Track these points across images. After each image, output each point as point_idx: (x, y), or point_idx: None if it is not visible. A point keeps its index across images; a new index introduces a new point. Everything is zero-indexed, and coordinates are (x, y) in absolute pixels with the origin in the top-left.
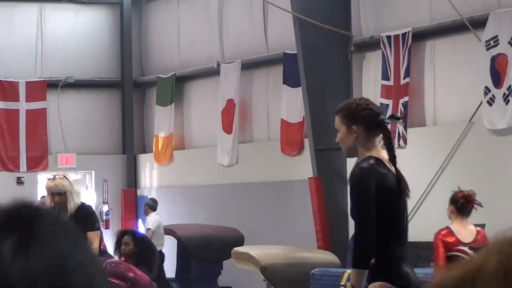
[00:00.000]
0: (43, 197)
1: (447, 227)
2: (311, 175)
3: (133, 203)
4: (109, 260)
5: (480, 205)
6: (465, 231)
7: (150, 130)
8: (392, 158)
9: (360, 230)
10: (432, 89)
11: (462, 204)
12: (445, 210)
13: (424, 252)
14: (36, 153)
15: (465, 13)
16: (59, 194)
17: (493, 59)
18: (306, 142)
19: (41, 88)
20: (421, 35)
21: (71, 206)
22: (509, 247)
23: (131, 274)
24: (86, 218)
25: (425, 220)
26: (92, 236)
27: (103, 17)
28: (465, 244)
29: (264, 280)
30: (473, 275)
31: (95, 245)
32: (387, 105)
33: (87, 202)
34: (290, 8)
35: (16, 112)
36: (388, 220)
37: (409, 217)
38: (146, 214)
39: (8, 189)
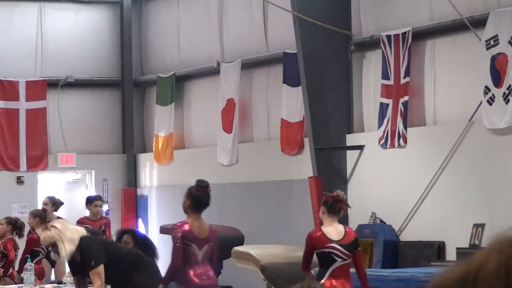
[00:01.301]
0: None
1: (319, 229)
2: (311, 175)
3: (133, 202)
4: None
5: (348, 206)
6: (334, 230)
7: (150, 130)
8: None
9: None
10: (432, 89)
11: (331, 204)
12: (445, 209)
13: (425, 251)
14: (36, 152)
15: (465, 13)
16: (52, 246)
17: (493, 59)
18: (306, 141)
19: (41, 87)
20: (421, 35)
21: (65, 253)
22: (509, 247)
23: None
24: (84, 261)
25: (425, 220)
26: (92, 276)
27: (103, 17)
28: (334, 242)
29: (264, 280)
30: (474, 275)
31: (97, 284)
32: (387, 105)
33: (84, 236)
34: (290, 7)
35: (16, 111)
36: None
37: (409, 217)
38: None
39: (8, 189)
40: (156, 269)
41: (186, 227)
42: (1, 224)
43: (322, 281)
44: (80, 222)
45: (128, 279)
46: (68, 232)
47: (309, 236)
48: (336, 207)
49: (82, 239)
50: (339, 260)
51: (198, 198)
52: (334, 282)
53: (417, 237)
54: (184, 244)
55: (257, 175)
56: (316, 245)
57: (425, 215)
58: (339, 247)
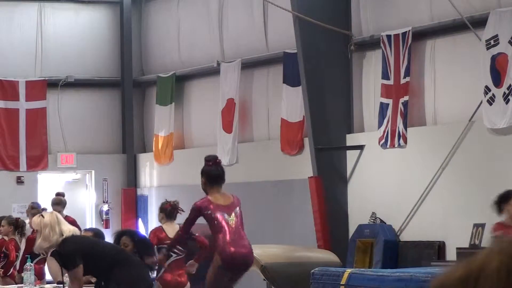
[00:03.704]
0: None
1: (161, 226)
2: (311, 175)
3: (133, 202)
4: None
5: (182, 210)
6: (171, 230)
7: (150, 130)
8: None
9: None
10: (432, 89)
11: (170, 211)
12: (445, 209)
13: (425, 251)
14: (36, 152)
15: (465, 12)
16: (36, 231)
17: (493, 58)
18: (306, 141)
19: (41, 87)
20: (421, 34)
21: (36, 244)
22: (510, 248)
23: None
24: (62, 263)
25: (425, 220)
26: (69, 279)
27: (103, 17)
28: (170, 239)
29: (264, 280)
30: (476, 274)
31: (74, 285)
32: (387, 105)
33: (66, 238)
34: (290, 7)
35: (16, 111)
36: None
37: (409, 217)
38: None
39: (8, 189)
40: (140, 268)
41: (206, 200)
42: (2, 226)
43: (162, 274)
44: None
45: (109, 274)
46: (48, 229)
47: (153, 232)
48: (174, 213)
49: (64, 240)
50: (174, 255)
51: (209, 171)
52: (173, 274)
53: (417, 237)
54: (211, 215)
55: (257, 175)
56: (158, 239)
57: (425, 215)
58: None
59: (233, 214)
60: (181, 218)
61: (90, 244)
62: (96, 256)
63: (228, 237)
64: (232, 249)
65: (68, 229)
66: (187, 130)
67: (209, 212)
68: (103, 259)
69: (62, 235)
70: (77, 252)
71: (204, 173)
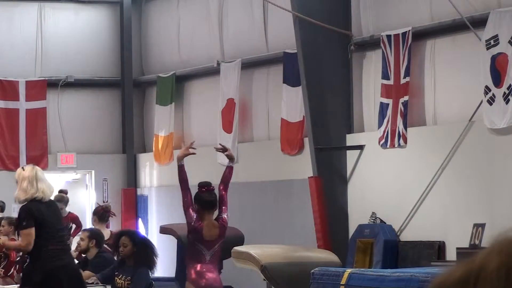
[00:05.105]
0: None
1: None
2: (311, 175)
3: (133, 202)
4: None
5: (114, 214)
6: (104, 232)
7: (150, 130)
8: None
9: None
10: (432, 88)
11: (102, 214)
12: (445, 209)
13: (425, 251)
14: (36, 152)
15: (466, 12)
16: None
17: (493, 59)
18: (306, 141)
19: (41, 87)
20: (421, 34)
21: (15, 196)
22: (510, 248)
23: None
24: (18, 219)
25: (425, 220)
26: (21, 235)
27: (103, 17)
28: (105, 241)
29: (264, 280)
30: (475, 275)
31: (23, 243)
32: (387, 105)
33: (37, 198)
34: (290, 7)
35: (16, 111)
36: None
37: (409, 217)
38: None
39: (8, 189)
40: (58, 272)
41: (199, 227)
42: (2, 226)
43: None
44: None
45: (34, 259)
46: (26, 182)
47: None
48: (106, 216)
49: (32, 199)
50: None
51: (200, 198)
52: None
53: (417, 237)
54: (193, 242)
55: (257, 175)
56: None
57: (425, 215)
58: (106, 246)
59: (211, 251)
60: (112, 221)
61: (43, 220)
62: (38, 233)
63: (200, 270)
64: (204, 281)
65: (43, 189)
66: (187, 130)
67: (193, 239)
68: (39, 240)
69: (38, 191)
70: (33, 214)
71: (196, 199)
